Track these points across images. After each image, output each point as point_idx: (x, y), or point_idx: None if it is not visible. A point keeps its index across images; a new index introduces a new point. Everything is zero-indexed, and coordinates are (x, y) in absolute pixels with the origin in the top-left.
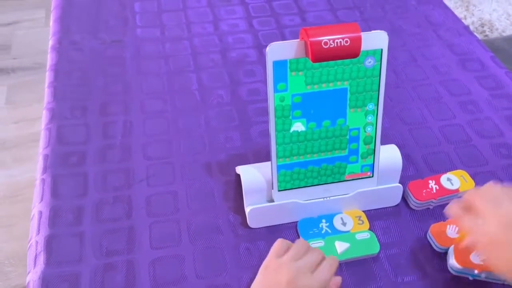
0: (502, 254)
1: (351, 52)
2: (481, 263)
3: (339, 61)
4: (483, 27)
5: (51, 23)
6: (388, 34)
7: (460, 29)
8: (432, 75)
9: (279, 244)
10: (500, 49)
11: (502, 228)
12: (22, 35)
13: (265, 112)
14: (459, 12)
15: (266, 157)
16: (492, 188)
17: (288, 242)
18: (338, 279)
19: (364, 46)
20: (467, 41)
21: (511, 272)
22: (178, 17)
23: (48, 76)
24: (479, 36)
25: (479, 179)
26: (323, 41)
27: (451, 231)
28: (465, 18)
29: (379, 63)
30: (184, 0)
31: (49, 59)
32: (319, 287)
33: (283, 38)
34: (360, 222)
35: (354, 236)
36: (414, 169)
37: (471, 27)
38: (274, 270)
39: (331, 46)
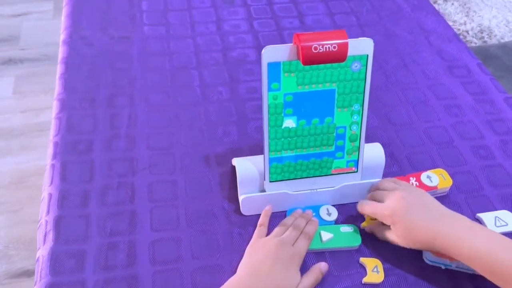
0: (400, 222)
1: (338, 56)
2: None
3: (328, 65)
4: (482, 33)
5: (62, 18)
6: (382, 39)
7: (450, 36)
8: (421, 79)
9: (259, 229)
10: (494, 56)
11: (398, 201)
12: (31, 27)
13: (261, 109)
14: (459, 18)
15: (261, 151)
16: (386, 181)
17: (266, 225)
18: (325, 266)
19: (351, 52)
20: (456, 48)
21: (407, 240)
22: (183, 17)
23: (59, 69)
24: (478, 42)
25: (458, 178)
26: (313, 46)
27: None
28: (465, 24)
29: (365, 67)
30: (189, 0)
31: (60, 52)
32: (299, 254)
33: (282, 39)
34: None
35: (339, 228)
36: (397, 167)
37: (471, 33)
38: (261, 245)
39: (320, 51)
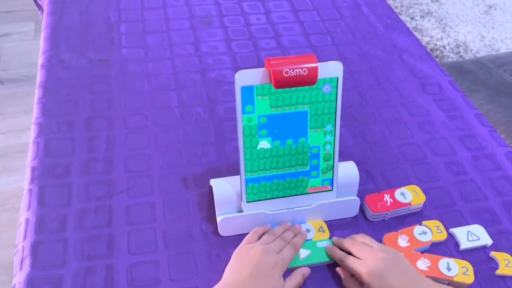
0: (375, 283)
1: (309, 80)
2: (426, 269)
3: (300, 87)
4: (458, 48)
5: (41, 42)
6: (356, 58)
7: (423, 55)
8: (395, 97)
9: (250, 235)
10: (469, 70)
11: (377, 261)
12: (12, 47)
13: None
14: (436, 33)
15: (239, 171)
16: (364, 237)
17: (259, 234)
18: (307, 271)
19: (322, 75)
20: (428, 66)
21: None
22: (161, 39)
23: (37, 93)
24: (454, 57)
25: (431, 193)
26: (284, 70)
27: (402, 240)
28: (442, 39)
29: (336, 89)
30: (167, 22)
31: (39, 76)
32: (283, 261)
33: (259, 60)
34: (322, 231)
35: (315, 244)
36: (372, 184)
37: (447, 48)
38: (247, 250)
39: (291, 75)
